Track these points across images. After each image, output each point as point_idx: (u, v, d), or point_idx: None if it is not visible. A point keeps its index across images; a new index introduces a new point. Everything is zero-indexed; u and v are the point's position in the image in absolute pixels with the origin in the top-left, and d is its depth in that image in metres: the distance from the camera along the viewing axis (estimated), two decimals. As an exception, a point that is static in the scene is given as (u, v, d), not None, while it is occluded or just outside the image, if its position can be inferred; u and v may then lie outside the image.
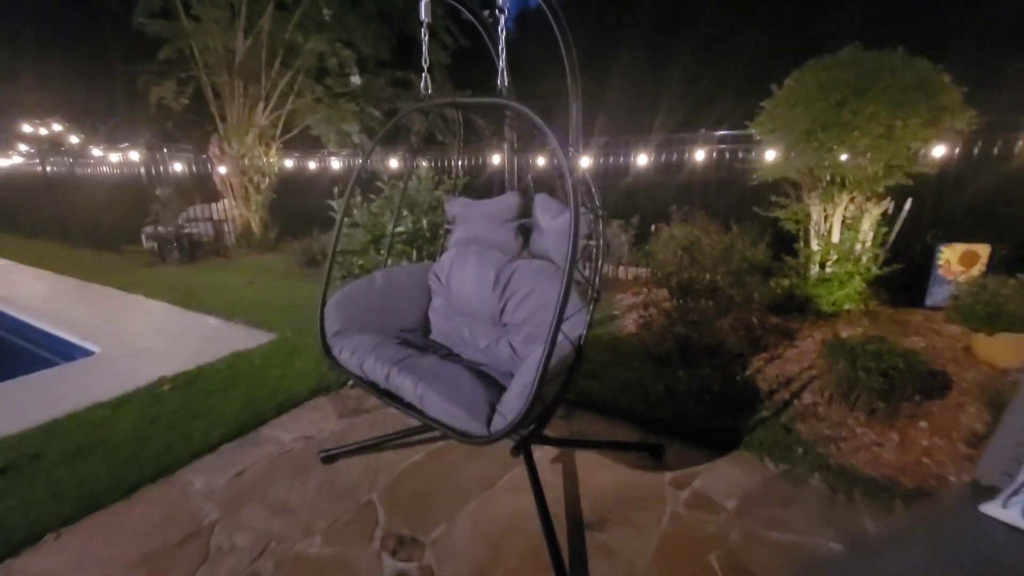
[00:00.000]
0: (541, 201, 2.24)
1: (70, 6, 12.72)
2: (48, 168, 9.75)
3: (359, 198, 3.29)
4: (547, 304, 2.07)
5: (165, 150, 9.04)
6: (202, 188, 9.25)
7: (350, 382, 3.27)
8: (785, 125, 3.75)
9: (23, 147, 10.28)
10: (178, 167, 8.87)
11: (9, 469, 2.44)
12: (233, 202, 8.77)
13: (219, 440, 2.66)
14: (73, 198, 9.68)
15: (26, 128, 10.27)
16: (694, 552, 1.89)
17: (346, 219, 3.23)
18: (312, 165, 9.10)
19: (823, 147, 3.51)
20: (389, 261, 2.96)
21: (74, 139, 10.58)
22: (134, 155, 8.86)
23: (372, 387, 1.95)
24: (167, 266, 7.63)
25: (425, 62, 2.08)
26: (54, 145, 10.32)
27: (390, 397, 1.88)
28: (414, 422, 2.41)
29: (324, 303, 2.24)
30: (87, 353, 4.16)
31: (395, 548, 1.93)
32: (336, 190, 3.57)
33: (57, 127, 10.43)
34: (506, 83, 1.85)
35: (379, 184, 3.34)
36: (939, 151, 4.04)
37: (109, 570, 1.85)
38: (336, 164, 8.69)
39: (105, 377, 3.48)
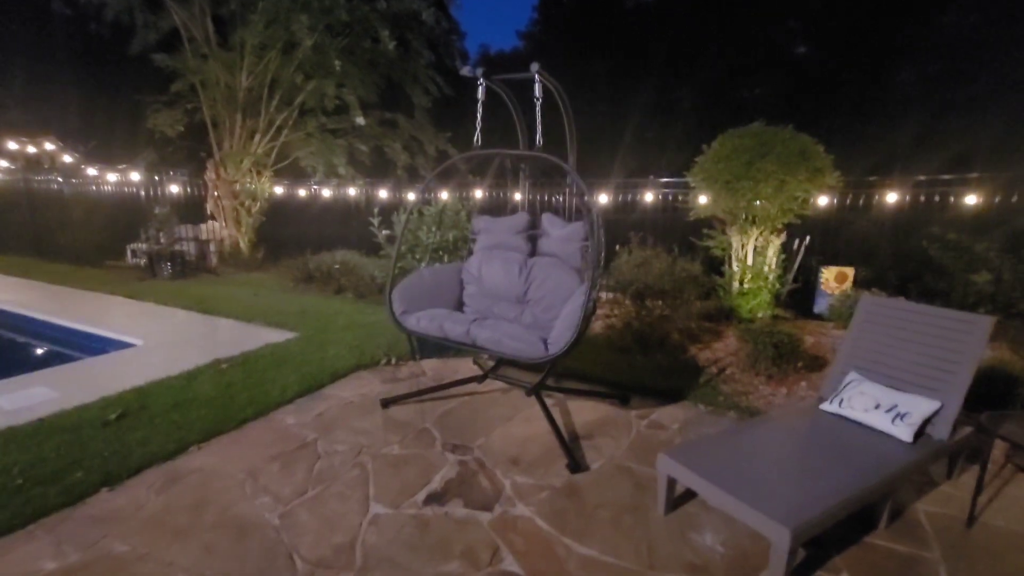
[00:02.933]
0: (549, 217, 3.30)
1: (70, 30, 13.08)
2: (33, 185, 9.95)
3: (402, 217, 4.20)
4: (559, 285, 3.09)
5: (169, 172, 9.53)
6: (190, 210, 9.76)
7: (383, 361, 4.10)
8: (712, 176, 5.02)
9: (3, 163, 10.43)
10: (175, 189, 9.37)
11: (125, 416, 3.11)
12: (224, 223, 9.33)
13: (293, 395, 3.42)
14: (52, 215, 9.90)
15: (11, 145, 10.45)
16: (652, 448, 2.87)
17: (382, 234, 4.12)
18: (302, 193, 9.83)
19: (738, 193, 4.78)
20: (423, 264, 3.88)
21: (67, 158, 10.83)
22: (135, 175, 9.30)
23: (447, 340, 2.86)
24: (159, 280, 8.06)
25: (478, 125, 3.08)
26: (35, 162, 10.53)
27: (462, 345, 2.80)
28: (450, 379, 3.32)
29: (391, 293, 3.12)
30: (129, 346, 4.73)
31: (453, 449, 2.80)
32: (377, 210, 4.47)
33: (49, 146, 10.66)
34: (541, 141, 2.88)
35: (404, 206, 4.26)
36: (822, 200, 5.45)
37: (253, 463, 2.61)
38: (327, 193, 9.47)
39: (159, 361, 4.09)
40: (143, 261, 8.53)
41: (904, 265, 5.57)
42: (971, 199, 5.10)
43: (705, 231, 5.51)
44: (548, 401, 3.39)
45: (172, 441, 2.79)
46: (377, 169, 9.94)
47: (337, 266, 6.83)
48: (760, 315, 5.20)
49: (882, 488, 2.08)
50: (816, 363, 4.12)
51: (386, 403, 3.29)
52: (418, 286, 3.24)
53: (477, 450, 2.80)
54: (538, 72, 2.76)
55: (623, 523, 2.22)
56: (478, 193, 6.85)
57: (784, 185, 4.64)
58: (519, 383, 3.30)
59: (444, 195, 4.89)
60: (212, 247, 9.51)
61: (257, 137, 9.17)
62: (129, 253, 9.31)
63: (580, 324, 2.49)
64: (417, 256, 3.98)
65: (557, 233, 3.23)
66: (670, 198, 6.49)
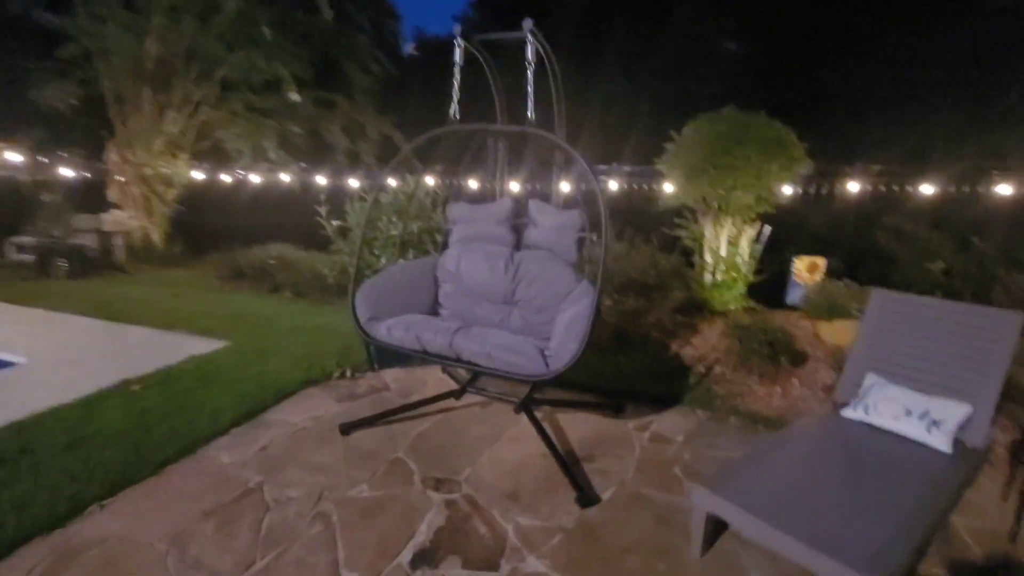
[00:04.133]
0: (537, 204, 2.86)
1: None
2: None
3: (356, 206, 3.60)
4: (553, 282, 2.67)
5: (60, 154, 8.15)
6: (88, 197, 8.46)
7: (337, 374, 3.52)
8: (686, 163, 4.78)
9: None
10: (68, 172, 8.04)
11: (2, 462, 2.38)
12: (133, 213, 8.14)
13: (228, 424, 2.80)
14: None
15: None
16: (662, 467, 2.54)
17: (333, 225, 3.54)
18: (227, 179, 8.79)
19: (716, 181, 4.56)
20: (383, 260, 3.33)
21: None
22: (14, 156, 7.87)
23: (425, 354, 2.36)
24: (53, 281, 6.87)
25: (456, 93, 2.58)
26: None
27: (444, 360, 2.32)
28: (416, 398, 2.85)
29: (354, 295, 2.57)
30: (6, 365, 3.83)
31: (436, 485, 2.32)
32: (324, 198, 3.82)
33: None
34: (533, 115, 2.43)
35: (362, 195, 3.68)
36: (795, 189, 5.38)
37: (178, 524, 2.01)
38: (256, 179, 8.51)
39: (49, 384, 3.28)
40: (30, 257, 7.25)
41: (862, 255, 5.65)
42: (927, 189, 5.19)
43: (677, 221, 5.29)
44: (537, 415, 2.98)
45: (64, 499, 2.13)
46: (314, 154, 9.06)
47: (272, 261, 6.05)
48: (732, 307, 5.06)
49: (944, 514, 1.85)
50: (800, 358, 3.98)
51: (346, 428, 2.75)
52: (386, 286, 2.72)
53: (465, 484, 2.34)
54: (531, 31, 2.31)
55: (657, 572, 1.86)
56: (471, 181, 6.29)
57: (762, 172, 4.47)
58: (503, 397, 2.88)
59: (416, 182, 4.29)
60: (119, 240, 8.29)
61: (171, 114, 8.03)
62: (10, 248, 7.91)
63: (587, 334, 2.09)
64: (376, 251, 3.43)
65: (549, 222, 2.80)
66: (636, 187, 6.25)
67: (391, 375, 3.61)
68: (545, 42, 2.43)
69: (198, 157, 8.69)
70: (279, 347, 4.02)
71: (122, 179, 7.96)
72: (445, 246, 3.07)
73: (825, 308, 4.36)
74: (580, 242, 2.73)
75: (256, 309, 5.44)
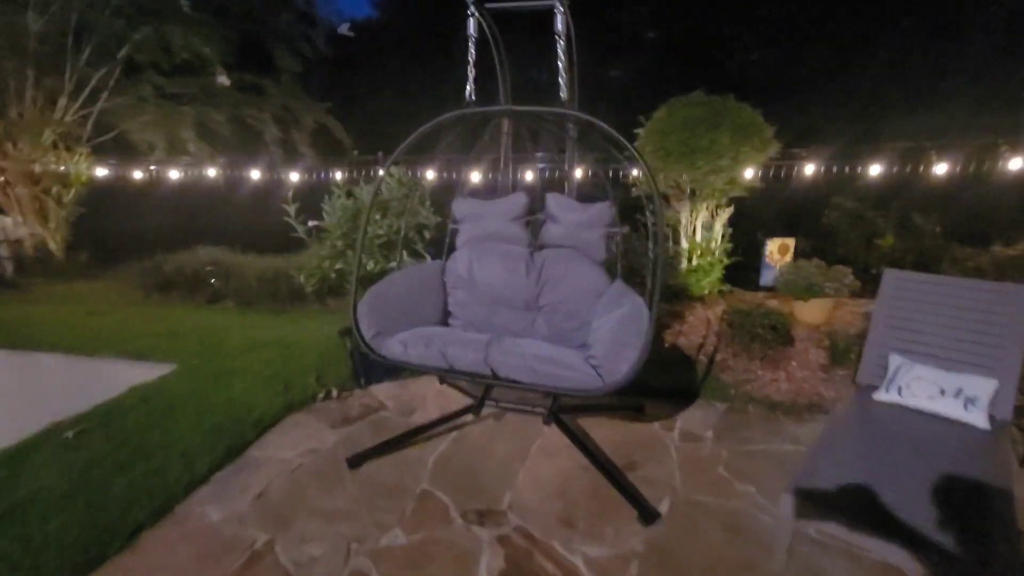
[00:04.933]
0: (556, 198, 2.60)
1: None
2: None
3: (336, 203, 3.12)
4: (582, 284, 2.44)
5: None
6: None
7: (321, 395, 3.10)
8: (661, 147, 4.70)
9: None
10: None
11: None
12: (20, 218, 6.94)
13: (207, 468, 2.34)
14: None
15: None
16: (705, 469, 2.42)
17: (309, 225, 3.09)
18: (140, 176, 7.72)
19: (695, 166, 4.52)
20: (371, 264, 2.95)
21: None
22: None
23: (451, 372, 2.05)
24: (-78, 303, 5.69)
25: (471, 73, 2.25)
26: None
27: (475, 377, 2.03)
28: (420, 416, 2.54)
29: (355, 308, 2.20)
30: None
31: (479, 519, 2.05)
32: (291, 194, 3.29)
33: None
34: (566, 94, 2.17)
35: (335, 189, 3.23)
36: (764, 173, 5.49)
37: (178, 613, 1.60)
38: (175, 175, 7.54)
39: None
40: None
41: (820, 235, 5.92)
42: (875, 169, 5.49)
43: (650, 207, 5.23)
44: (553, 427, 2.77)
45: (8, 598, 1.64)
46: (243, 146, 8.17)
47: (210, 268, 5.34)
48: (708, 292, 5.10)
49: (1011, 489, 1.85)
50: (790, 340, 4.05)
51: (354, 461, 2.39)
52: (390, 296, 2.36)
53: (511, 514, 2.09)
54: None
55: (746, 590, 1.72)
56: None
57: (738, 155, 4.48)
58: (523, 408, 2.63)
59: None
60: (4, 251, 7.05)
61: (62, 101, 6.89)
62: None
63: (647, 341, 1.89)
64: (361, 254, 3.01)
65: (572, 218, 2.56)
66: (599, 174, 6.13)
67: (384, 392, 3.24)
68: (569, 15, 2.17)
69: (101, 152, 7.54)
70: (240, 367, 3.51)
71: (1, 179, 6.74)
72: (451, 248, 2.74)
73: (802, 288, 4.48)
74: (609, 239, 2.53)
75: (197, 324, 4.77)
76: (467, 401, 3.01)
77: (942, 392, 2.32)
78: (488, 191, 2.88)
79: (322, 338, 4.22)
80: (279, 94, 8.44)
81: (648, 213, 2.28)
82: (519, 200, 2.64)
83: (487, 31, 2.43)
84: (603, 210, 2.57)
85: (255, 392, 3.12)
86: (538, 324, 2.50)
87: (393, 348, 2.13)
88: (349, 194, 3.09)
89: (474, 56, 2.25)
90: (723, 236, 5.08)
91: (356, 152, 9.08)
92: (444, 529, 2.00)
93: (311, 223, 3.04)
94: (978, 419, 2.21)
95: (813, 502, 1.74)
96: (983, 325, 2.45)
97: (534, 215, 2.69)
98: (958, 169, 5.32)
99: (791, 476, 1.84)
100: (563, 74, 2.15)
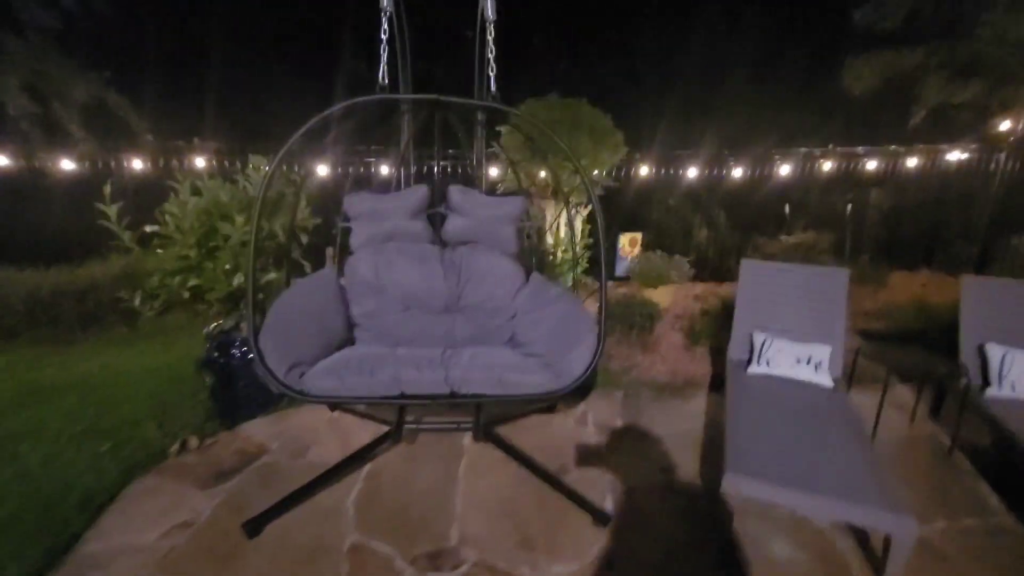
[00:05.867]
0: (460, 192, 2.41)
1: None
2: None
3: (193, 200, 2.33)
4: (502, 280, 2.32)
5: None
6: None
7: (174, 448, 2.43)
8: (526, 149, 4.80)
9: None
10: None
11: None
12: None
13: (21, 586, 1.63)
14: None
15: None
16: (630, 457, 2.51)
17: (154, 227, 2.37)
18: None
19: (558, 165, 4.70)
20: (239, 277, 2.38)
21: None
22: None
23: (403, 398, 1.75)
24: None
25: (383, 55, 1.91)
26: None
27: (431, 399, 1.77)
28: (317, 454, 2.20)
29: (257, 344, 1.73)
30: None
31: (433, 564, 1.80)
32: (109, 189, 2.36)
33: None
34: (493, 89, 1.97)
35: (172, 184, 2.49)
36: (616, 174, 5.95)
37: None
38: None
39: None
40: None
41: (647, 228, 6.70)
42: (693, 172, 6.41)
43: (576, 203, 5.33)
44: (470, 440, 2.62)
45: None
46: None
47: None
48: (572, 284, 5.40)
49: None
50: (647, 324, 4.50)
51: (252, 527, 1.90)
52: (293, 317, 1.91)
53: (465, 548, 1.88)
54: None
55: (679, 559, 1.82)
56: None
57: (598, 156, 4.79)
58: (452, 427, 2.43)
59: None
60: None
61: None
62: None
63: (603, 329, 1.87)
64: (228, 266, 2.37)
65: (483, 212, 2.38)
66: (459, 170, 6.04)
67: (259, 430, 2.67)
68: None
69: None
70: (27, 429, 2.60)
71: None
72: (343, 251, 2.35)
73: (653, 277, 5.02)
74: (522, 232, 2.45)
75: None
76: (371, 427, 2.66)
77: (798, 361, 2.79)
78: (379, 186, 2.55)
79: (149, 371, 3.36)
80: (27, 57, 6.45)
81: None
82: (420, 193, 2.38)
83: (390, 9, 2.10)
84: (517, 204, 2.48)
85: (65, 459, 2.31)
86: (459, 325, 2.30)
87: (322, 383, 1.73)
88: (196, 191, 2.42)
89: (387, 32, 1.93)
90: (584, 232, 5.41)
91: (151, 137, 7.47)
92: (394, 585, 1.71)
93: (148, 228, 2.29)
94: (824, 380, 2.70)
95: (746, 474, 1.91)
96: (818, 302, 3.00)
97: (433, 209, 2.47)
98: (748, 174, 6.53)
99: (726, 457, 2.00)
100: (492, 65, 1.98)
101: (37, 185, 5.17)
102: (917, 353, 2.95)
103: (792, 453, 2.08)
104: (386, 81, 1.96)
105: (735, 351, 3.09)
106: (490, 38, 2.01)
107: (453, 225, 2.43)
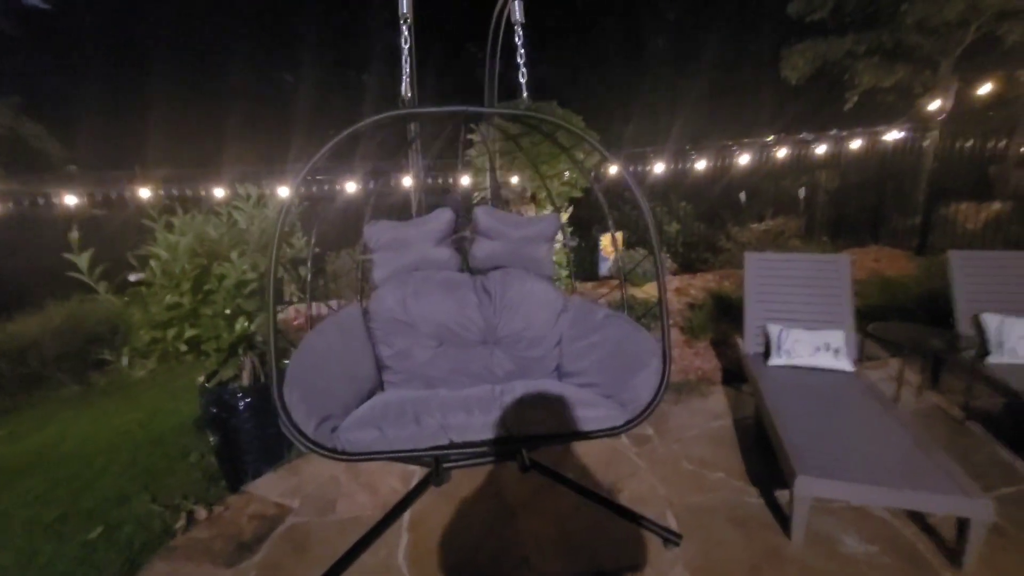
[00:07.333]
0: (488, 213, 2.25)
1: None
2: None
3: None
4: (541, 307, 2.17)
5: None
6: None
7: (180, 523, 2.13)
8: (503, 153, 4.68)
9: None
10: None
11: None
12: None
13: None
14: None
15: None
16: (674, 468, 2.44)
17: (138, 275, 2.06)
18: None
19: (540, 171, 4.61)
20: (243, 323, 2.11)
21: None
22: None
23: (451, 448, 1.57)
24: None
25: (408, 65, 1.73)
26: None
27: (485, 447, 1.60)
28: (346, 508, 2.00)
29: (281, 397, 1.50)
30: None
31: (514, 618, 1.64)
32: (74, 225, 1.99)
33: None
34: (526, 94, 1.83)
35: (146, 223, 2.16)
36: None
37: None
38: None
39: None
40: None
41: (620, 224, 6.74)
42: (659, 167, 6.51)
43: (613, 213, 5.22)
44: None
45: None
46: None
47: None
48: (564, 288, 5.33)
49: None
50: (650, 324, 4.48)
51: (303, 605, 1.67)
52: (318, 365, 1.69)
53: (543, 593, 1.74)
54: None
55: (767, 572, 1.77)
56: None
57: (578, 161, 4.74)
58: (492, 460, 2.26)
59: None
60: None
61: None
62: None
63: (668, 354, 1.78)
64: (226, 311, 2.09)
65: (515, 233, 2.23)
66: (430, 180, 5.84)
67: (272, 487, 2.40)
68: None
69: None
70: (7, 509, 2.21)
71: None
72: (365, 283, 2.14)
73: (640, 275, 5.02)
74: (549, 252, 2.33)
75: None
76: (397, 469, 2.46)
77: (816, 349, 2.82)
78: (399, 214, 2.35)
79: (120, 435, 2.99)
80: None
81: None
82: (444, 218, 2.20)
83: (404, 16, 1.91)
84: (551, 222, 2.35)
85: (47, 556, 1.96)
86: (497, 359, 2.14)
87: (359, 436, 1.53)
88: (169, 226, 2.12)
89: (409, 41, 1.76)
90: (568, 234, 5.35)
91: (74, 167, 6.80)
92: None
93: (133, 277, 1.98)
94: (845, 365, 2.75)
95: (817, 475, 1.88)
96: (825, 289, 3.06)
97: (459, 233, 2.30)
98: (709, 166, 6.72)
99: (788, 459, 1.96)
100: (524, 72, 1.85)
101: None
102: (911, 328, 3.07)
103: (850, 446, 2.07)
104: (409, 94, 1.79)
105: (750, 345, 3.10)
106: (519, 42, 1.88)
107: (482, 249, 2.27)
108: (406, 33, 1.82)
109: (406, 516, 2.14)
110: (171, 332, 1.95)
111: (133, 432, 3.02)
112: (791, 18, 7.77)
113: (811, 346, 2.84)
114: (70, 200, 4.76)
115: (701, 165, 6.66)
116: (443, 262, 2.21)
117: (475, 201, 5.15)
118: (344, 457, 1.54)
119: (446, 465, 1.94)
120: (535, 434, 1.64)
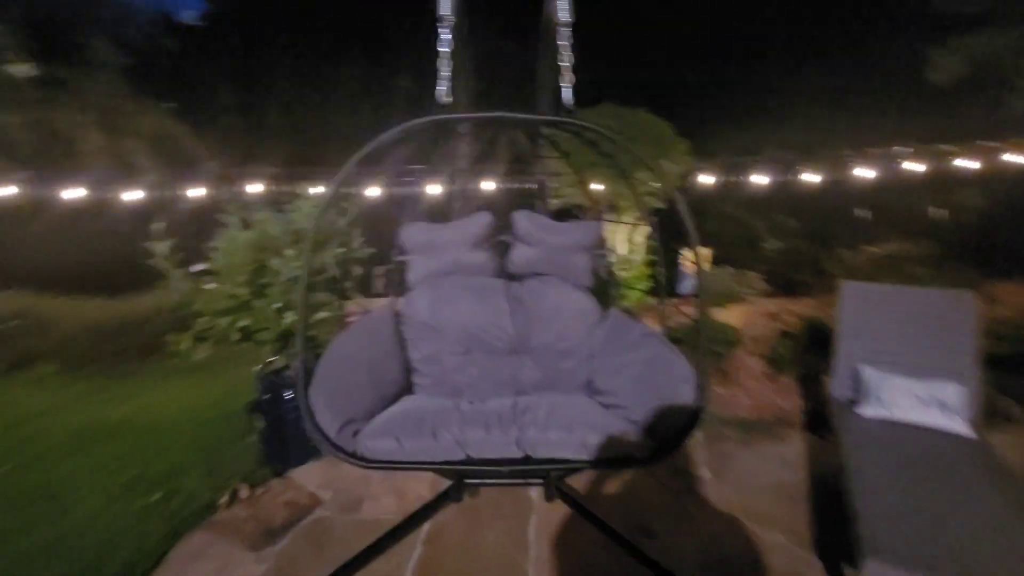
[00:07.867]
0: (527, 218, 2.17)
1: None
2: None
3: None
4: (575, 317, 2.05)
5: None
6: None
7: (224, 498, 2.27)
8: (579, 160, 4.53)
9: None
10: None
11: None
12: None
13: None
14: None
15: None
16: (725, 520, 2.16)
17: (200, 265, 2.25)
18: None
19: (611, 178, 4.41)
20: (289, 317, 2.22)
21: None
22: None
23: (468, 464, 1.51)
24: None
25: (446, 66, 1.71)
26: None
27: (496, 466, 1.52)
28: (370, 509, 1.96)
29: (308, 397, 1.53)
30: None
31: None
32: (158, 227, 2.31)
33: None
34: (570, 101, 1.74)
35: (225, 217, 2.38)
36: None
37: None
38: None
39: None
40: None
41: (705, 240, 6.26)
42: (758, 179, 5.95)
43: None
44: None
45: None
46: (46, 156, 6.33)
47: (16, 322, 3.92)
48: (636, 304, 5.05)
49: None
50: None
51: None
52: (348, 366, 1.71)
53: (544, 640, 1.60)
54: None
55: None
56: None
57: (661, 167, 4.46)
58: (519, 483, 2.16)
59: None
60: None
61: None
62: None
63: (705, 381, 1.58)
64: (273, 305, 2.23)
65: (554, 240, 2.13)
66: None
67: (311, 477, 2.49)
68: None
69: None
70: (74, 476, 2.50)
71: None
72: (402, 287, 2.14)
73: (723, 295, 4.60)
74: (597, 261, 2.19)
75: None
76: (428, 477, 2.42)
77: (922, 402, 2.35)
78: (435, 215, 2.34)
79: (198, 408, 3.27)
80: (99, 93, 6.76)
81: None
82: (482, 221, 2.15)
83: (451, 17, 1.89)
84: (591, 229, 2.21)
85: (110, 515, 2.18)
86: (526, 369, 2.02)
87: (378, 444, 1.51)
88: (245, 224, 2.30)
89: (451, 44, 1.73)
90: (646, 248, 5.06)
91: (213, 163, 7.69)
92: None
93: (198, 267, 2.21)
94: (960, 426, 2.26)
95: (894, 563, 1.53)
96: (940, 331, 2.55)
97: (497, 237, 2.23)
98: (821, 178, 6.00)
99: (859, 534, 1.63)
100: (566, 76, 1.74)
101: (98, 216, 5.36)
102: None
103: (946, 531, 1.68)
104: (448, 99, 1.75)
105: (839, 388, 2.67)
106: (561, 44, 1.77)
107: (519, 255, 2.18)
108: (447, 35, 1.77)
109: (425, 528, 2.09)
110: (226, 321, 2.09)
111: (206, 408, 3.30)
112: (935, 11, 6.72)
113: (915, 398, 2.37)
114: (194, 193, 5.43)
115: (811, 176, 5.95)
116: (478, 267, 2.14)
117: (551, 207, 5.05)
118: (363, 463, 1.53)
119: (468, 481, 1.88)
120: (553, 457, 1.52)
